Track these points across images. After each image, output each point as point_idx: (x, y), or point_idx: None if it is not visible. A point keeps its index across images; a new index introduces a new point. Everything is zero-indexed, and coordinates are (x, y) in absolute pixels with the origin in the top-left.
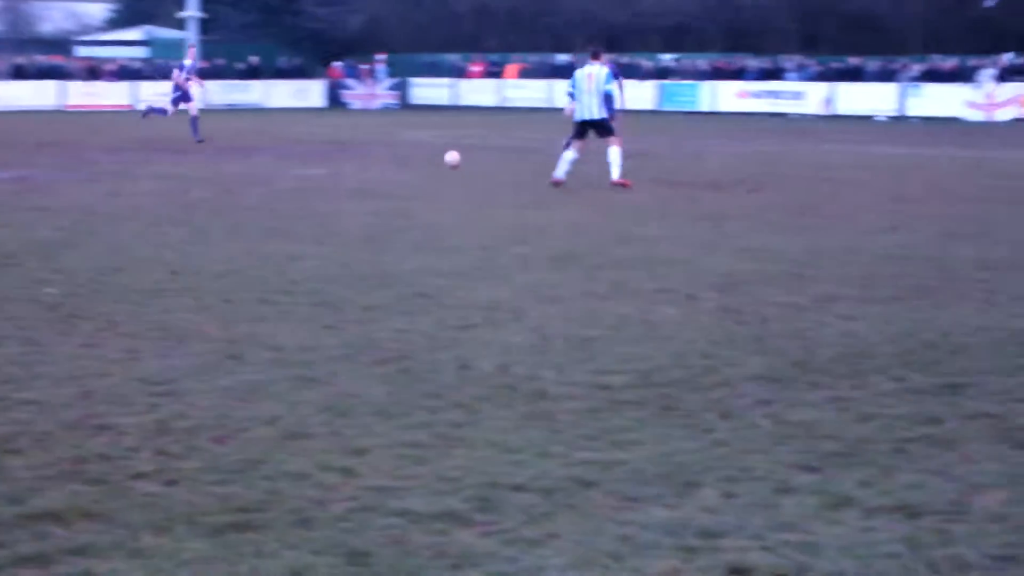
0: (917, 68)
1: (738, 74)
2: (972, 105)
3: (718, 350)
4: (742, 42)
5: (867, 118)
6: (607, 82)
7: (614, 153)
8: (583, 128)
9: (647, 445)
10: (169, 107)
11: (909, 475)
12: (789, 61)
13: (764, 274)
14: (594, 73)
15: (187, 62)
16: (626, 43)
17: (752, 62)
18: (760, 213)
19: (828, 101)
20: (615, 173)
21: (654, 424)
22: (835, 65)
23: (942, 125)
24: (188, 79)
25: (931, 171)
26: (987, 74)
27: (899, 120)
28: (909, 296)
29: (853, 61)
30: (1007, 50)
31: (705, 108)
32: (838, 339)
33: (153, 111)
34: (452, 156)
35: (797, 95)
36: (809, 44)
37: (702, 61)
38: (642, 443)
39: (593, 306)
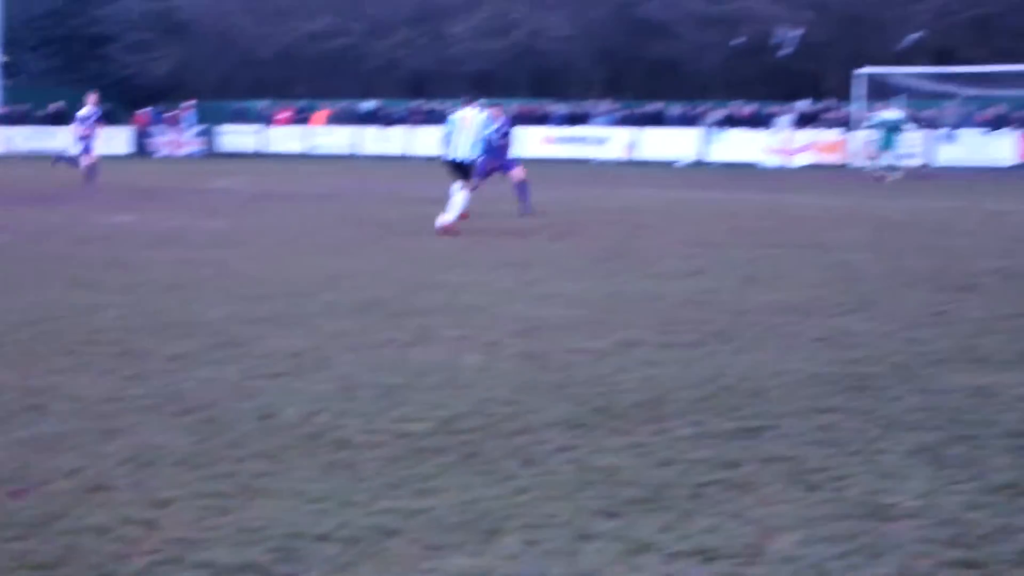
0: (718, 114)
1: (543, 119)
2: (770, 151)
3: (520, 397)
4: (547, 87)
5: (670, 163)
6: (486, 127)
7: (458, 197)
8: (455, 168)
9: (450, 493)
10: (83, 158)
11: (707, 519)
12: (594, 106)
13: (566, 320)
14: (469, 117)
15: (85, 110)
16: (433, 89)
17: (557, 107)
18: (563, 259)
19: (632, 146)
20: (447, 218)
21: (457, 471)
22: (639, 110)
23: (741, 170)
24: (89, 129)
25: (731, 216)
26: (784, 120)
27: (700, 165)
28: (709, 341)
29: (656, 106)
30: (803, 97)
31: (511, 154)
32: (639, 384)
33: (63, 159)
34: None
35: (601, 140)
36: (613, 89)
37: (508, 106)
38: (445, 491)
39: (397, 354)
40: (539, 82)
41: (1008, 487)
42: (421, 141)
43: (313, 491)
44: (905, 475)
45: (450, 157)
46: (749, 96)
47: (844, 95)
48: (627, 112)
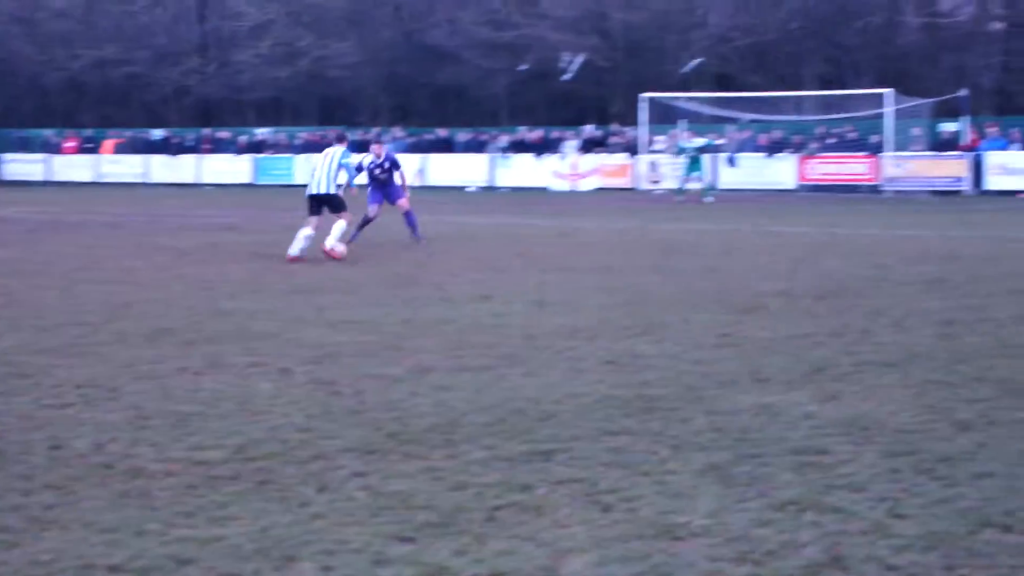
0: (505, 139)
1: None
2: (558, 175)
3: (314, 423)
4: (336, 115)
5: (459, 189)
6: (343, 157)
7: (338, 226)
8: (315, 203)
9: (244, 520)
10: None
11: (501, 542)
12: (383, 133)
13: (359, 346)
14: (332, 152)
15: None
16: (222, 117)
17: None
18: (355, 285)
19: (421, 172)
20: (328, 242)
21: (251, 499)
22: (427, 136)
23: (530, 195)
24: None
25: (520, 240)
26: (570, 145)
27: (489, 190)
28: (499, 365)
29: (443, 133)
30: (589, 122)
31: (301, 181)
32: (431, 409)
33: None
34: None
35: None
36: (402, 116)
37: (297, 134)
38: (239, 518)
39: (189, 382)
40: (328, 109)
41: (792, 503)
42: (211, 169)
43: (105, 522)
44: (695, 494)
45: (311, 192)
46: (536, 121)
47: (629, 120)
48: (416, 139)
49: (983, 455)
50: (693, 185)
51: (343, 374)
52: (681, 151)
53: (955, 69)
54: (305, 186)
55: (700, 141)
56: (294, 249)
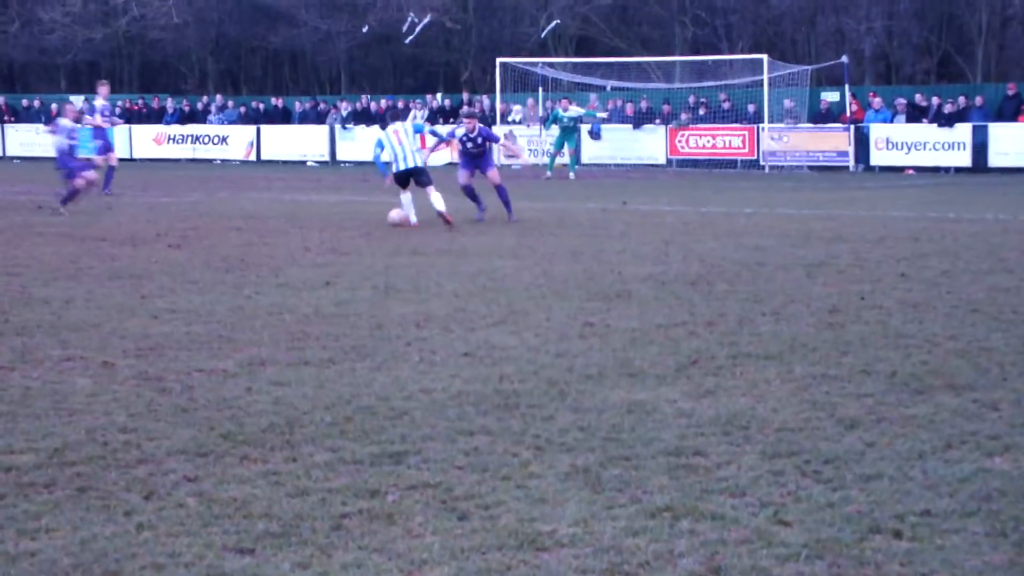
0: (346, 108)
1: (155, 117)
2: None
3: (138, 423)
4: (158, 81)
5: (298, 163)
6: (416, 129)
7: (435, 196)
8: (403, 177)
9: (61, 532)
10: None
11: (349, 553)
12: (211, 103)
13: (188, 337)
14: (400, 129)
15: (99, 102)
16: (28, 83)
17: (170, 104)
18: (183, 270)
19: (252, 145)
20: (440, 207)
21: (68, 508)
22: (261, 106)
23: (374, 170)
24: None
25: (364, 221)
26: (418, 116)
27: (330, 165)
28: (345, 358)
29: (279, 102)
30: (437, 90)
31: (121, 155)
32: (269, 407)
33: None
34: (396, 213)
35: (221, 139)
36: (232, 83)
37: (116, 103)
38: (55, 530)
39: None
40: (149, 75)
41: (666, 509)
42: (17, 140)
43: None
44: (560, 500)
45: (401, 168)
46: (380, 89)
47: (483, 88)
48: (247, 109)
49: (871, 455)
50: (564, 160)
51: (170, 368)
52: (556, 120)
53: (834, 34)
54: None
55: (577, 111)
56: (412, 217)
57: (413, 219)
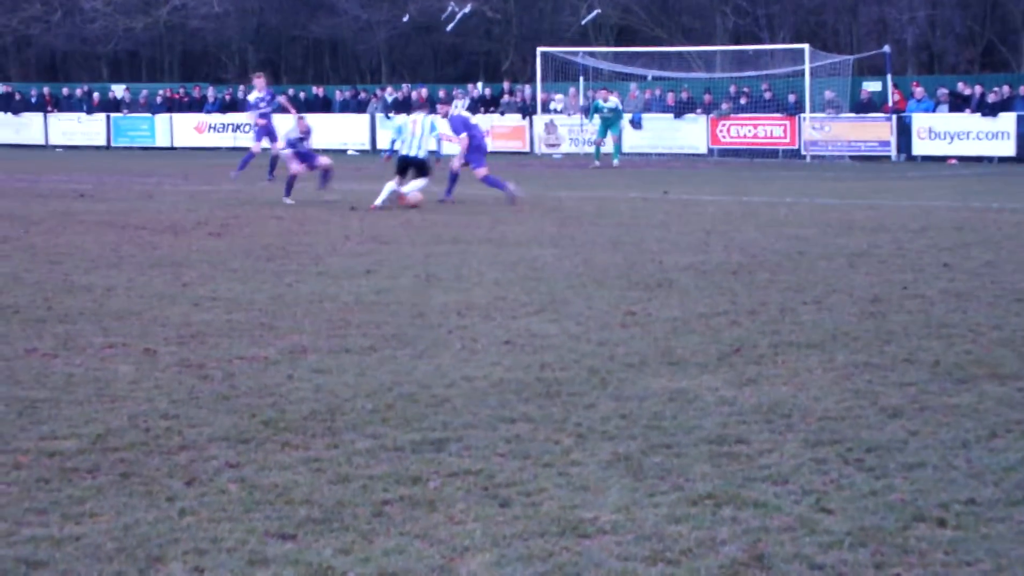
0: (388, 97)
1: (196, 106)
2: (447, 138)
3: (180, 410)
4: (199, 71)
5: (338, 152)
6: (432, 131)
7: (417, 182)
8: (404, 164)
9: (104, 517)
10: (254, 146)
11: (390, 540)
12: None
13: (228, 325)
14: (421, 119)
15: (257, 94)
16: (70, 72)
17: (211, 93)
18: (223, 258)
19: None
20: (406, 190)
21: (111, 494)
22: (301, 95)
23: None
24: (267, 112)
25: (405, 209)
26: (459, 105)
27: (371, 153)
28: (386, 345)
29: (320, 91)
30: (478, 80)
31: (162, 143)
32: (311, 395)
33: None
34: (415, 195)
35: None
36: (272, 72)
37: (157, 92)
38: (98, 515)
39: (40, 364)
40: (190, 65)
41: (708, 497)
42: (60, 129)
43: None
44: (602, 488)
45: (403, 153)
46: (421, 79)
47: (523, 77)
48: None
49: (914, 443)
50: (607, 148)
51: (211, 356)
52: (596, 110)
53: (876, 23)
54: None
55: (615, 101)
56: (378, 200)
57: (377, 202)
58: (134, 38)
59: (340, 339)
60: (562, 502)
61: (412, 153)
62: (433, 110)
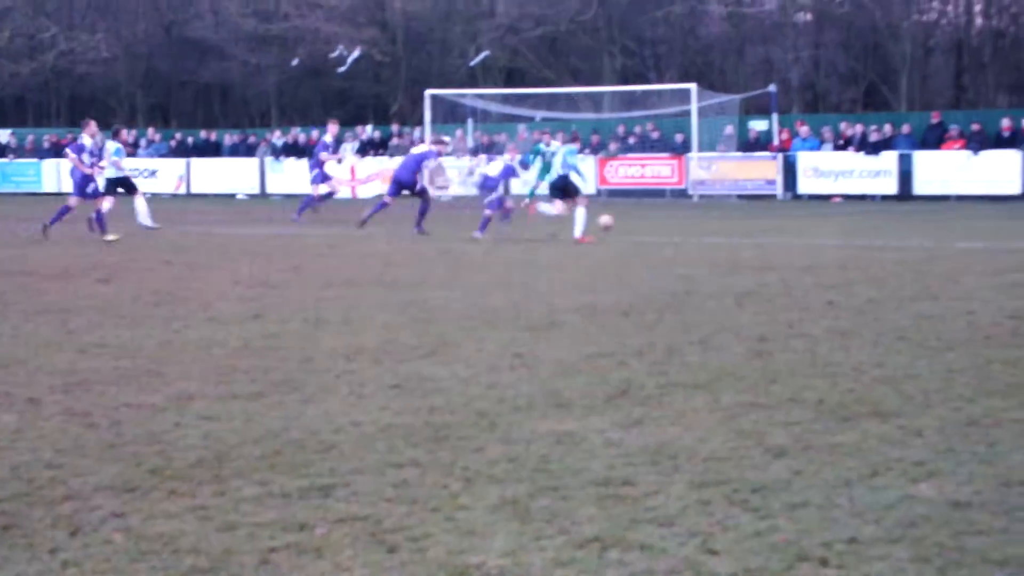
0: (278, 141)
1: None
2: (336, 181)
3: (65, 459)
4: (87, 115)
5: (228, 196)
6: (572, 154)
7: (580, 213)
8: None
9: None
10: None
11: None
12: (140, 136)
13: (116, 372)
14: (560, 151)
15: (327, 138)
16: None
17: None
18: (111, 305)
19: (183, 179)
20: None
21: None
22: (190, 139)
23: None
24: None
25: (295, 253)
26: (348, 148)
27: (260, 197)
28: (274, 391)
29: (209, 135)
30: (367, 122)
31: (49, 189)
32: (198, 441)
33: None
34: (606, 219)
35: (151, 172)
36: (161, 116)
37: (44, 137)
38: None
39: None
40: (78, 109)
41: (595, 540)
42: None
43: None
44: (489, 532)
45: (552, 180)
46: (310, 122)
47: (412, 119)
48: (177, 142)
49: (798, 483)
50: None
51: (97, 404)
52: (538, 153)
53: (762, 63)
54: None
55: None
56: (578, 231)
57: (577, 233)
58: (21, 83)
59: (228, 385)
60: (449, 547)
61: (560, 174)
62: (337, 149)
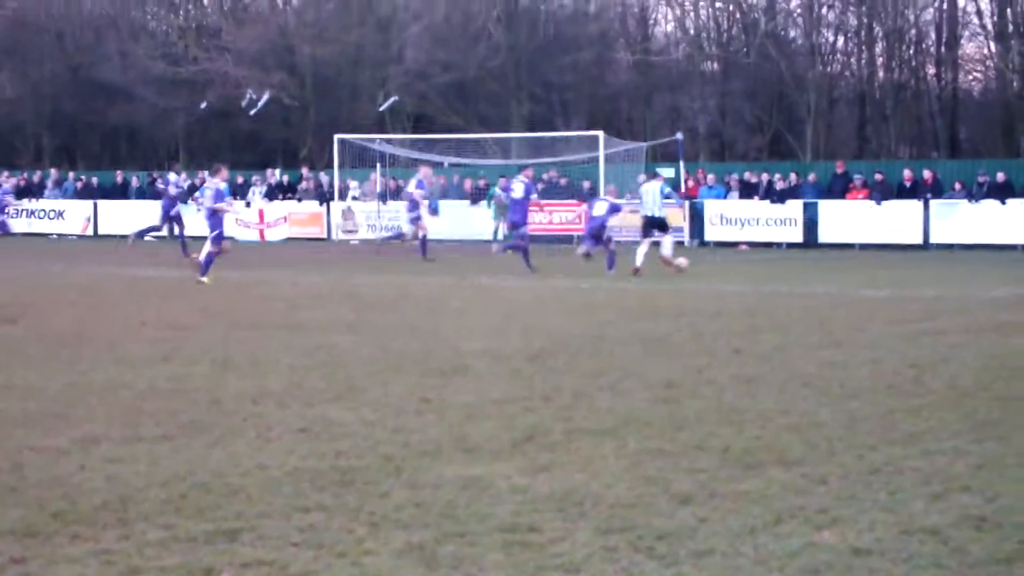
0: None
1: None
2: (243, 224)
3: None
4: None
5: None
6: (663, 195)
7: (667, 240)
8: (647, 224)
9: None
10: (407, 228)
11: None
12: (46, 177)
13: (21, 415)
14: (653, 188)
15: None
16: None
17: (4, 178)
18: (16, 346)
19: (89, 219)
20: (665, 251)
21: None
22: (98, 180)
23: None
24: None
25: (201, 295)
26: (256, 191)
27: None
28: (180, 434)
29: (117, 176)
30: (276, 166)
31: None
32: (102, 485)
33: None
34: (682, 261)
35: (58, 214)
36: (68, 158)
37: None
38: None
39: None
40: None
41: None
42: None
43: None
44: None
45: (645, 214)
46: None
47: (321, 163)
48: (84, 183)
49: (704, 530)
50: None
51: (0, 447)
52: (491, 198)
53: (670, 111)
54: None
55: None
56: (638, 261)
57: (638, 263)
58: None
59: (134, 428)
60: None
61: (652, 213)
62: (245, 193)
